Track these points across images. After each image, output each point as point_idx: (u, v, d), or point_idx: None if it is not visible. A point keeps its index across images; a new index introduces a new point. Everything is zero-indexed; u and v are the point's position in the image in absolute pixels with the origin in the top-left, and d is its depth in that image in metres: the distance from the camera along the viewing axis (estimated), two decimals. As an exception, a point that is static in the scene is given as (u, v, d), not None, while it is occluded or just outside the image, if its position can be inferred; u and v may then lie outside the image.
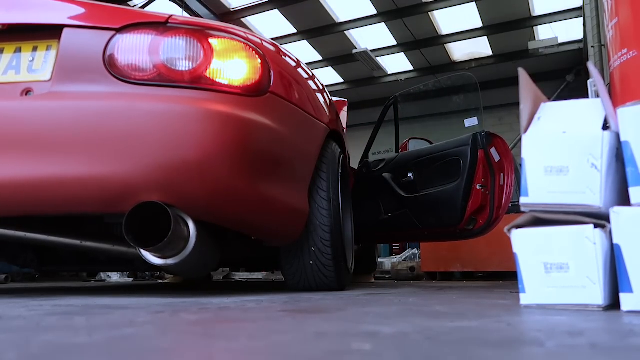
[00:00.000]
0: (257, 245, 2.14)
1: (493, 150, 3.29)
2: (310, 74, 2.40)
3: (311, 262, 2.07)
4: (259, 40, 1.85)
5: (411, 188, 3.54)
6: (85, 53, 1.64)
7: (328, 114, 2.39)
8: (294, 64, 2.17)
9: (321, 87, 2.51)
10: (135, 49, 1.63)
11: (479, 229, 3.32)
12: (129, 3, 7.80)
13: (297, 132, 1.96)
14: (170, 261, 1.60)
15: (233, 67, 1.69)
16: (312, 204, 2.08)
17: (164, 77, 1.61)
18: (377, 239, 4.27)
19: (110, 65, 1.61)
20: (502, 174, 3.29)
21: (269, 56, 1.82)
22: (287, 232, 2.01)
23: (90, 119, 1.54)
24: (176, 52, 1.63)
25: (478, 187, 3.21)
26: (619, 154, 1.23)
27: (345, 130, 3.12)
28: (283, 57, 2.05)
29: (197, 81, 1.62)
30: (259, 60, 1.75)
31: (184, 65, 1.62)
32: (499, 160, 3.29)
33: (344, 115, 3.70)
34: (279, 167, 1.84)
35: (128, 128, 1.53)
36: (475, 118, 3.52)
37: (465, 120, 3.55)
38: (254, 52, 1.75)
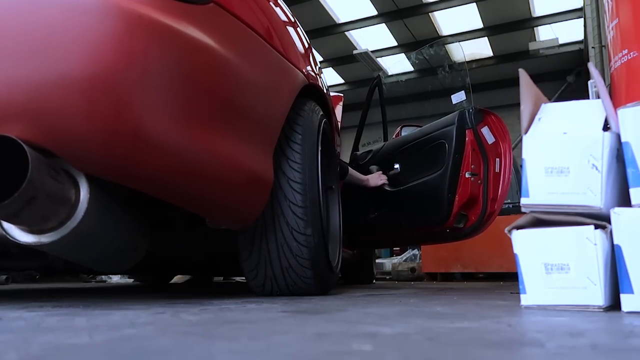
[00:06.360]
0: (213, 234, 1.64)
1: (485, 130, 2.67)
2: (284, 7, 1.88)
3: (279, 256, 1.60)
4: None
5: (397, 181, 2.96)
6: None
7: (305, 62, 1.89)
8: None
9: (301, 34, 2.01)
10: None
11: (471, 227, 2.72)
12: None
13: (254, 67, 1.46)
14: (45, 238, 1.08)
15: None
16: (279, 176, 1.61)
17: None
18: (364, 244, 3.51)
19: None
20: (497, 159, 2.68)
21: None
22: (240, 206, 1.50)
23: None
24: None
25: (467, 176, 2.61)
26: (619, 154, 1.24)
27: (339, 126, 2.76)
28: None
29: None
30: None
31: None
32: (493, 142, 2.67)
33: (339, 110, 3.26)
34: (224, 109, 1.32)
35: None
36: (463, 92, 2.86)
37: (452, 96, 2.90)
38: None
